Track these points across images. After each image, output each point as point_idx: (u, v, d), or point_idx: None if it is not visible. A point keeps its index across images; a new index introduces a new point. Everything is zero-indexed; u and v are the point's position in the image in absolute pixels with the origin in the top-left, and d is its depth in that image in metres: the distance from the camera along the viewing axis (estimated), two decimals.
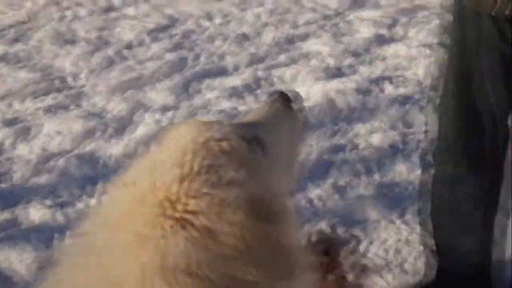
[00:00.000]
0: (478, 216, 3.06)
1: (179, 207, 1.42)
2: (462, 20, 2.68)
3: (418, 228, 3.46)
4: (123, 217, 1.48)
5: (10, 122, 5.14)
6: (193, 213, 1.41)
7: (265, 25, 6.38)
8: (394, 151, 4.27)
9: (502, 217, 3.24)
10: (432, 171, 3.19)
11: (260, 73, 5.48)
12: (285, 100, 1.93)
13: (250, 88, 5.29)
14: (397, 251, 3.54)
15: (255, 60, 5.74)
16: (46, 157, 4.62)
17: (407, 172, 4.07)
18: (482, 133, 2.87)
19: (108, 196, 1.67)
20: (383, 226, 3.70)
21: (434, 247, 3.27)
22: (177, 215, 1.41)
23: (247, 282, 1.42)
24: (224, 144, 1.56)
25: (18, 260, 3.65)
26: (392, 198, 3.91)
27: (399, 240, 3.63)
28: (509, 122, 2.87)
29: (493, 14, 2.45)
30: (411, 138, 4.37)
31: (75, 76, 5.77)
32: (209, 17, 6.64)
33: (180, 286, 1.35)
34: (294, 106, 1.97)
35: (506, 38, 2.54)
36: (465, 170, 2.98)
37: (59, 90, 5.55)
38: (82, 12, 7.25)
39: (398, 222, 3.74)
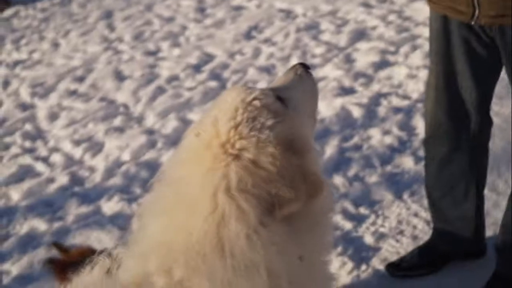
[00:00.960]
0: (461, 189, 3.20)
1: (234, 146, 1.79)
2: (445, 31, 2.83)
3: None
4: (196, 156, 1.85)
5: (85, 140, 5.44)
6: (243, 149, 1.78)
7: (290, 56, 6.44)
8: (403, 148, 4.44)
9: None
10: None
11: None
12: (304, 68, 2.20)
13: None
14: (408, 222, 3.70)
15: None
16: (116, 166, 4.90)
17: (414, 164, 4.20)
18: (458, 122, 3.03)
19: (183, 142, 1.99)
20: (397, 204, 3.86)
21: (430, 217, 3.46)
22: (233, 152, 1.77)
23: (283, 198, 1.76)
24: (260, 102, 1.89)
25: (107, 238, 3.93)
26: (402, 183, 4.04)
27: (410, 213, 3.77)
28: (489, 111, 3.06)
29: (472, 23, 2.64)
30: (416, 137, 4.53)
31: (131, 104, 6.01)
32: (241, 52, 6.75)
33: (237, 199, 1.71)
34: (311, 72, 2.22)
35: (482, 40, 2.74)
36: (447, 152, 3.13)
37: (121, 115, 5.82)
38: (136, 54, 7.53)
39: (409, 200, 3.87)
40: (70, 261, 2.87)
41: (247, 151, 1.79)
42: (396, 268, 3.36)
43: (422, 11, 6.79)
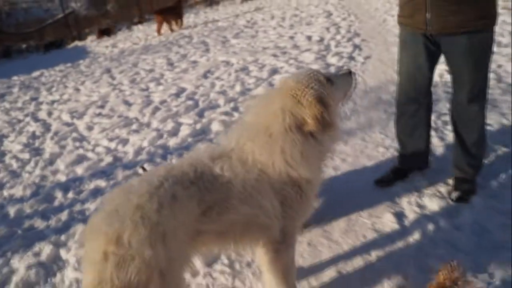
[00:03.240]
0: (418, 131, 3.56)
1: (293, 93, 2.22)
2: (414, 39, 3.22)
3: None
4: (272, 100, 2.29)
5: (116, 138, 5.66)
6: (296, 94, 2.22)
7: (234, 85, 6.76)
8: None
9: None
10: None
11: (233, 104, 5.94)
12: (351, 72, 2.53)
13: (233, 111, 5.74)
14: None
15: (233, 99, 6.18)
16: (140, 149, 5.16)
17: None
18: (420, 92, 3.37)
19: (265, 92, 2.46)
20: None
21: (398, 147, 3.77)
22: (297, 98, 2.20)
23: (306, 124, 2.20)
24: (315, 77, 2.30)
25: None
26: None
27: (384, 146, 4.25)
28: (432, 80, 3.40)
29: (427, 34, 3.10)
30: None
31: (140, 117, 6.26)
32: (203, 85, 7.06)
33: (290, 115, 2.20)
34: (352, 74, 2.54)
35: (433, 45, 3.16)
36: (412, 110, 3.46)
37: (135, 123, 6.08)
38: (134, 91, 7.79)
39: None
40: None
41: (298, 96, 2.23)
42: (381, 182, 3.72)
43: (309, 57, 7.51)
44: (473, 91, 3.17)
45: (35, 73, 10.87)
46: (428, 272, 2.75)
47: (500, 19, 3.08)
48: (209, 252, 2.72)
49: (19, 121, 7.31)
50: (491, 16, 2.98)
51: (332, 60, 7.01)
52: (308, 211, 2.54)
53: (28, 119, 7.25)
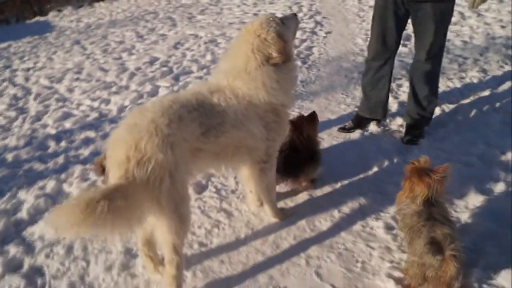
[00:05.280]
0: (381, 85, 3.99)
1: (258, 34, 2.66)
2: (385, 4, 3.64)
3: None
4: (243, 35, 2.75)
5: (98, 98, 5.99)
6: (261, 34, 2.68)
7: (205, 54, 7.12)
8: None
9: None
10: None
11: (206, 71, 6.31)
12: (295, 14, 2.94)
13: (207, 75, 6.07)
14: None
15: (205, 66, 6.55)
16: (123, 107, 5.54)
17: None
18: (386, 50, 3.81)
19: (240, 32, 2.81)
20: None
21: (362, 98, 4.19)
22: (257, 34, 2.68)
23: (273, 56, 2.66)
24: (272, 19, 2.72)
25: None
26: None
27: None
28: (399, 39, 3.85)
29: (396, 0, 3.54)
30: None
31: (118, 81, 6.55)
32: (175, 55, 7.37)
33: (255, 53, 2.65)
34: (297, 16, 2.94)
35: (401, 10, 3.62)
36: (378, 66, 3.91)
37: (114, 86, 6.39)
38: (108, 59, 8.09)
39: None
40: None
41: (262, 35, 2.70)
42: (343, 129, 4.23)
43: None
44: (431, 51, 3.71)
45: (2, 45, 10.85)
46: (384, 194, 3.38)
47: None
48: (204, 173, 3.21)
49: None
50: None
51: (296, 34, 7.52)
52: (284, 133, 3.04)
53: (6, 83, 7.37)
